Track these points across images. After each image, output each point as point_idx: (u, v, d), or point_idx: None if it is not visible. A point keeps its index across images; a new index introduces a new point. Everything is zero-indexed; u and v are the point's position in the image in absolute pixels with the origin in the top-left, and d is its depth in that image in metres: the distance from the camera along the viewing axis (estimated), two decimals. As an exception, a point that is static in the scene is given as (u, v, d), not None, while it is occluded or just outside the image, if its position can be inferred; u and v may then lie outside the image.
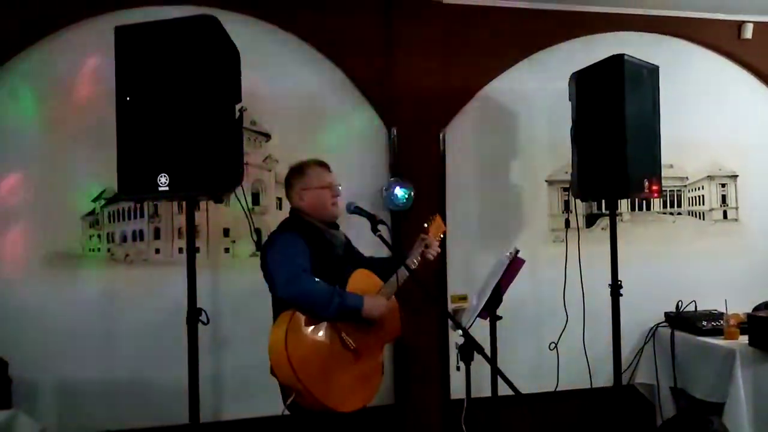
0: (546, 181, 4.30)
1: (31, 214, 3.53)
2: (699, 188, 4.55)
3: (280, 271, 2.58)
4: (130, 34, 2.71)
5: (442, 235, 3.04)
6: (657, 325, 4.21)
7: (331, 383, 2.50)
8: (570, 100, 3.58)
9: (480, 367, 2.72)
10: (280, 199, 3.83)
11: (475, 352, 2.51)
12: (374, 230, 2.68)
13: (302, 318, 2.52)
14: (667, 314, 4.20)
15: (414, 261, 2.86)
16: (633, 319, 4.07)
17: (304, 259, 2.61)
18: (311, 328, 2.53)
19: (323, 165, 2.88)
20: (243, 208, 2.94)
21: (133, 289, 3.62)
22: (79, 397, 3.52)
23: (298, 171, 2.86)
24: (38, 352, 3.47)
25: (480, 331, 2.97)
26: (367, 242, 2.96)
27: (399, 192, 3.80)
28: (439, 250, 2.94)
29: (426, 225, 2.96)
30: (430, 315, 3.78)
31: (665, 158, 3.52)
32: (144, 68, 2.68)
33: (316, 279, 2.56)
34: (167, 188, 2.62)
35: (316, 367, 2.48)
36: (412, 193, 3.82)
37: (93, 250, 3.62)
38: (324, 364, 2.51)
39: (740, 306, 3.98)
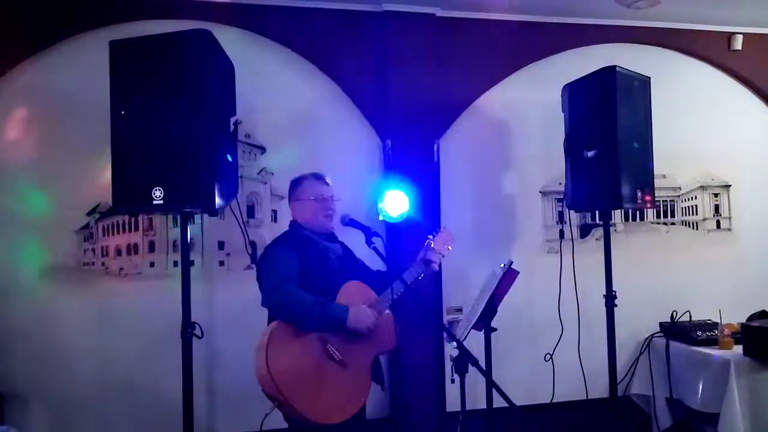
0: (540, 192, 4.31)
1: (25, 228, 3.51)
2: (692, 198, 4.57)
3: (264, 282, 2.65)
4: (125, 48, 2.74)
5: (449, 248, 2.97)
6: (652, 336, 4.21)
7: (313, 394, 2.49)
8: (563, 111, 3.61)
9: (475, 379, 2.71)
10: (275, 212, 3.83)
11: (470, 364, 2.51)
12: (369, 242, 2.71)
13: (288, 329, 2.52)
14: (662, 324, 4.20)
15: (414, 273, 2.82)
16: (628, 330, 4.08)
17: (290, 270, 2.63)
18: (295, 339, 2.53)
19: (319, 178, 2.90)
20: (238, 221, 2.96)
21: (128, 303, 3.60)
22: (73, 412, 3.49)
23: (295, 183, 2.92)
24: (31, 367, 3.44)
25: (475, 342, 2.97)
26: (362, 255, 2.98)
27: (391, 212, 3.73)
28: (438, 259, 2.87)
29: (430, 236, 2.94)
30: (425, 327, 3.77)
31: (658, 169, 3.55)
32: (139, 82, 2.70)
33: (299, 290, 2.57)
34: (162, 201, 2.63)
35: (297, 378, 2.47)
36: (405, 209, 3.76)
37: (87, 264, 3.61)
38: (306, 375, 2.50)
39: (734, 315, 3.98)
